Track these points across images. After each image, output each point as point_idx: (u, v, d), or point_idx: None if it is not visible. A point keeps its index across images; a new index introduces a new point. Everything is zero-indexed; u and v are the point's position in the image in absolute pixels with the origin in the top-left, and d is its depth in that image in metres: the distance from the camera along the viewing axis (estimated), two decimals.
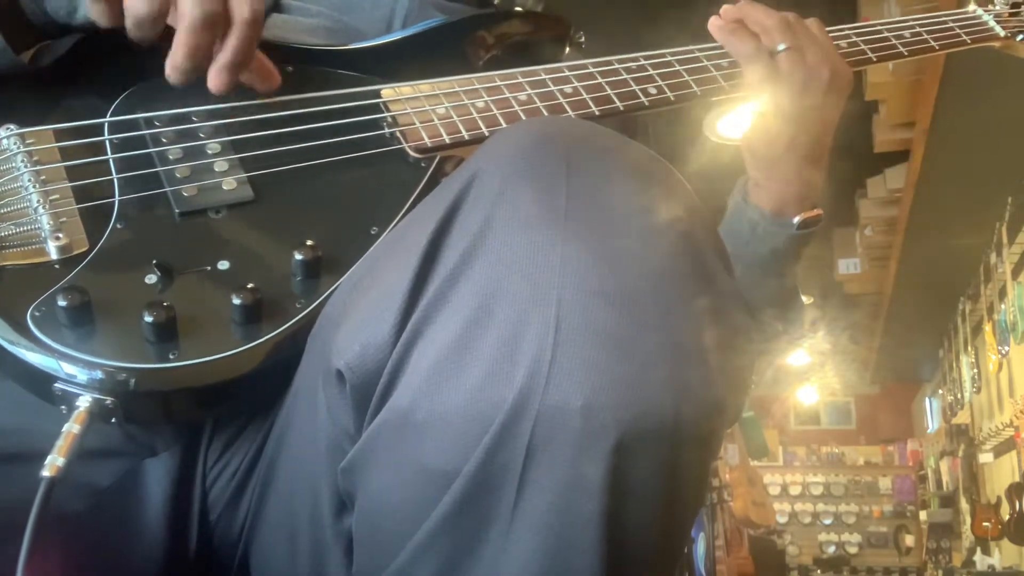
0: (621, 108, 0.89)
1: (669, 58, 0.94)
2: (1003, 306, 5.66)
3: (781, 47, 0.92)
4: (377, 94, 0.83)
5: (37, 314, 0.65)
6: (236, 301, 0.67)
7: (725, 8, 0.96)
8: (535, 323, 0.53)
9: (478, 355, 0.53)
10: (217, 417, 0.74)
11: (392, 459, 0.57)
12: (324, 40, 0.92)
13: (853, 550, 10.74)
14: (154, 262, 0.68)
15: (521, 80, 0.87)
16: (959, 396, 7.53)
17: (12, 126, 0.74)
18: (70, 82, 0.77)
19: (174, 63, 0.73)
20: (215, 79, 0.74)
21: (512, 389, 0.52)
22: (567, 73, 0.89)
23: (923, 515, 10.20)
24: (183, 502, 0.73)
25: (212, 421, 0.75)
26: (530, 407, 0.52)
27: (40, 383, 0.65)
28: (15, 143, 0.73)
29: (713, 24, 0.95)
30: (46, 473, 0.59)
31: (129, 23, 0.72)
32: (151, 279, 0.68)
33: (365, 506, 0.61)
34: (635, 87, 0.91)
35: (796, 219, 0.94)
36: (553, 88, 0.87)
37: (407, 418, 0.55)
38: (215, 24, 0.72)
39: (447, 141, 0.81)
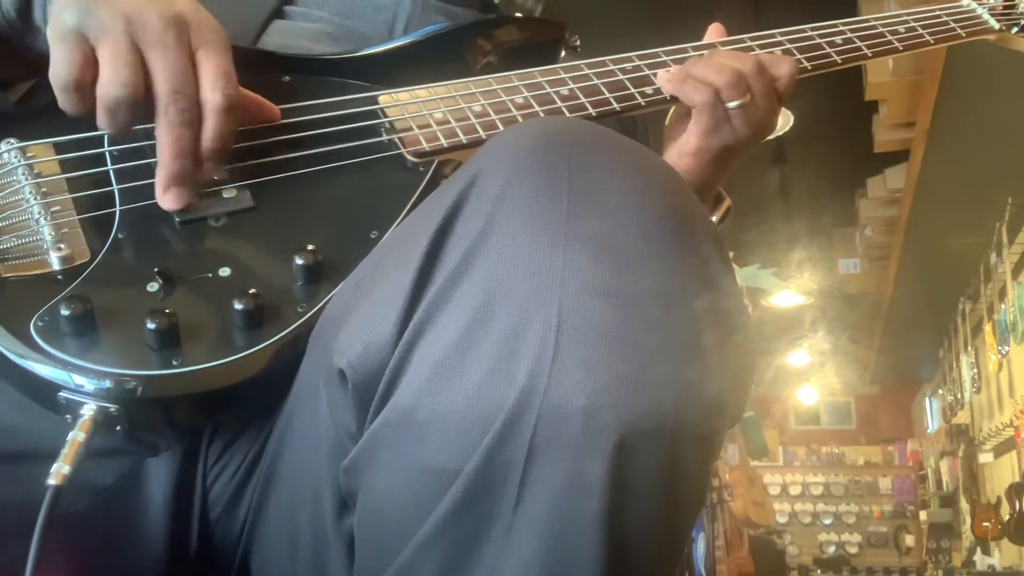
0: (618, 108, 0.89)
1: (664, 58, 0.94)
2: (1003, 306, 5.66)
3: (733, 105, 0.89)
4: (374, 100, 0.83)
5: (40, 324, 0.65)
6: (238, 306, 0.67)
7: (677, 67, 0.93)
8: (537, 323, 0.53)
9: (480, 354, 0.54)
10: (220, 423, 0.75)
11: (394, 458, 0.57)
12: (327, 45, 0.92)
13: (853, 550, 10.75)
14: (156, 270, 0.69)
15: (517, 83, 0.87)
16: (959, 396, 7.53)
17: (13, 140, 0.74)
18: None
19: (168, 177, 0.71)
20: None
21: (514, 388, 0.52)
22: (563, 75, 0.89)
23: (923, 515, 10.21)
24: (184, 501, 0.74)
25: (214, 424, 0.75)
26: (532, 406, 0.52)
27: (43, 392, 0.65)
28: (16, 156, 0.74)
29: (663, 78, 0.92)
30: (52, 481, 0.60)
31: (102, 112, 0.69)
32: (153, 287, 0.69)
33: (367, 505, 0.61)
34: (631, 88, 0.91)
35: (713, 219, 0.96)
36: (549, 90, 0.88)
37: (409, 417, 0.55)
38: (193, 121, 0.70)
39: (445, 145, 0.82)
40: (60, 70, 0.69)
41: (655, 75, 0.92)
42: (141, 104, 0.69)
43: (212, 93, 0.70)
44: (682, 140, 0.92)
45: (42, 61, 0.77)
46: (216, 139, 0.71)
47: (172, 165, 0.71)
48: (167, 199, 0.72)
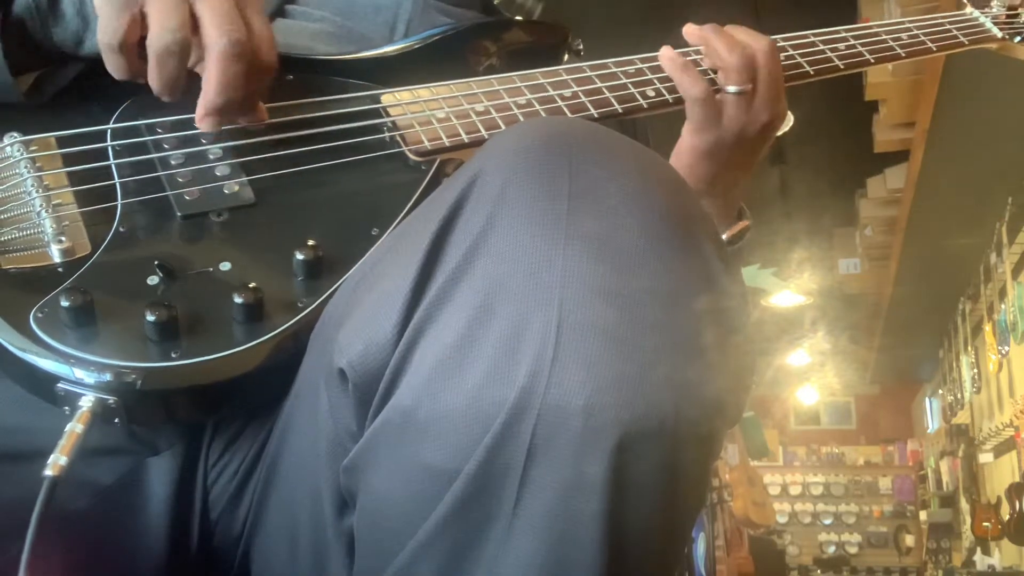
0: (620, 111, 0.90)
1: None
2: (1003, 306, 5.66)
3: (733, 89, 0.89)
4: (376, 99, 0.84)
5: (40, 315, 0.65)
6: (238, 300, 0.67)
7: (690, 30, 0.92)
8: (537, 322, 0.53)
9: (480, 354, 0.54)
10: (219, 418, 0.75)
11: (394, 458, 0.57)
12: (328, 45, 0.92)
13: (853, 550, 10.76)
14: (156, 263, 0.69)
15: (519, 84, 0.87)
16: (959, 396, 7.54)
17: (15, 133, 0.75)
18: (74, 92, 0.78)
19: (213, 106, 0.73)
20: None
21: (514, 388, 0.52)
22: (565, 77, 0.90)
23: (923, 515, 10.21)
24: (184, 501, 0.74)
25: (214, 420, 0.75)
26: (532, 406, 0.52)
27: (42, 384, 0.65)
28: (18, 150, 0.74)
29: (665, 56, 0.91)
30: (49, 472, 0.60)
31: (153, 64, 0.71)
32: (153, 280, 0.69)
33: (367, 505, 0.61)
34: (633, 90, 0.91)
35: (724, 237, 0.94)
36: (552, 92, 0.88)
37: (409, 417, 0.55)
38: (243, 55, 0.71)
39: (447, 144, 0.82)
40: (108, 29, 0.70)
41: (657, 78, 0.92)
42: (189, 54, 0.71)
43: (259, 33, 0.73)
44: (680, 140, 0.91)
45: (56, 52, 0.77)
46: (266, 71, 0.74)
47: (220, 96, 0.72)
48: (206, 123, 0.74)
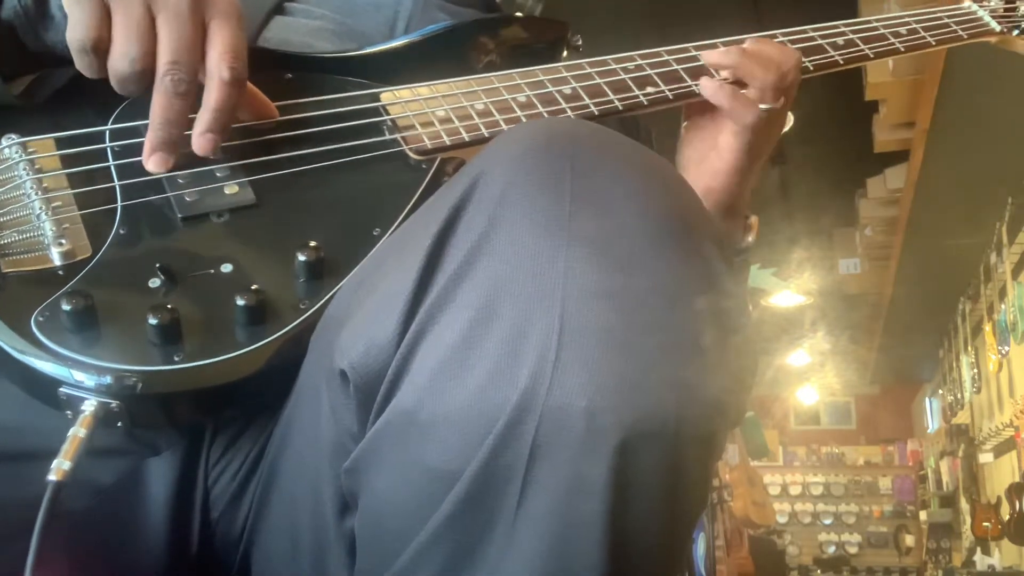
0: (620, 107, 0.89)
1: (666, 57, 0.94)
2: (1003, 306, 5.66)
3: (766, 107, 0.89)
4: (376, 98, 0.83)
5: (41, 319, 0.65)
6: (240, 303, 0.67)
7: (715, 58, 0.90)
8: (539, 323, 0.53)
9: (482, 355, 0.54)
10: (221, 420, 0.75)
11: (396, 459, 0.57)
12: (328, 42, 0.92)
13: (853, 550, 10.76)
14: (157, 266, 0.68)
15: (519, 81, 0.87)
16: (959, 396, 7.54)
17: (14, 135, 0.74)
18: (71, 93, 0.77)
19: (154, 141, 0.71)
20: (198, 143, 0.72)
21: (516, 389, 0.52)
22: (565, 74, 0.89)
23: (923, 515, 10.21)
24: (185, 501, 0.74)
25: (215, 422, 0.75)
26: (534, 407, 0.52)
27: (44, 388, 0.65)
28: (17, 152, 0.73)
29: (708, 85, 0.89)
30: (52, 477, 0.60)
31: (113, 82, 0.70)
32: (155, 283, 0.68)
33: (368, 506, 0.61)
34: (633, 86, 0.91)
35: (750, 239, 0.94)
36: (552, 89, 0.87)
37: (411, 418, 0.55)
38: (187, 92, 0.70)
39: (447, 143, 0.81)
40: (76, 31, 0.69)
41: (657, 74, 0.92)
42: (150, 78, 0.70)
43: (219, 65, 0.71)
44: (714, 159, 0.90)
45: (49, 54, 0.77)
46: (216, 110, 0.71)
47: (159, 131, 0.71)
48: (151, 162, 0.72)
